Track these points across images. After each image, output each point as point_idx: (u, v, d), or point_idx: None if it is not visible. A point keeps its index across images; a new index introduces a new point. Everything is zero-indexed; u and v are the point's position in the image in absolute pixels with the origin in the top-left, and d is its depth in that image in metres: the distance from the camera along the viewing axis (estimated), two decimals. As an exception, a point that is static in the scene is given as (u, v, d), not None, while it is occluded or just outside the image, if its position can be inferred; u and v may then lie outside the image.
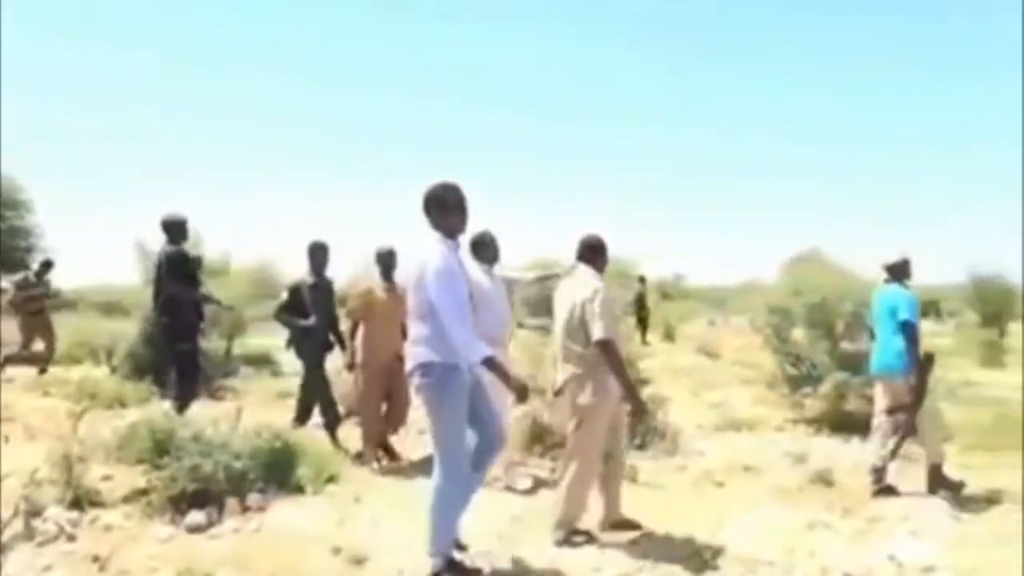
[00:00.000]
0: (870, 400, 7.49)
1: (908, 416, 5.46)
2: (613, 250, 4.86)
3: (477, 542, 4.30)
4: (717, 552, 4.32)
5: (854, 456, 6.45)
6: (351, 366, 6.28)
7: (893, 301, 5.56)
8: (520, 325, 21.72)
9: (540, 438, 6.40)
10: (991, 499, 5.36)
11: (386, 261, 6.21)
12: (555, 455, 6.22)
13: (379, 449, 6.23)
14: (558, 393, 4.61)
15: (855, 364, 7.67)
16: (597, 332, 4.27)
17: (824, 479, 5.72)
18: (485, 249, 5.56)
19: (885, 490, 5.48)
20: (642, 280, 18.58)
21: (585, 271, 4.59)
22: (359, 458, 6.20)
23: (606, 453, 4.52)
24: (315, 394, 6.70)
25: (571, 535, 4.44)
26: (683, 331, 20.88)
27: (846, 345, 7.89)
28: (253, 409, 7.06)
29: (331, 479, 5.45)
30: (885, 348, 5.61)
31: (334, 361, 6.93)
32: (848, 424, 7.36)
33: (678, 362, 13.81)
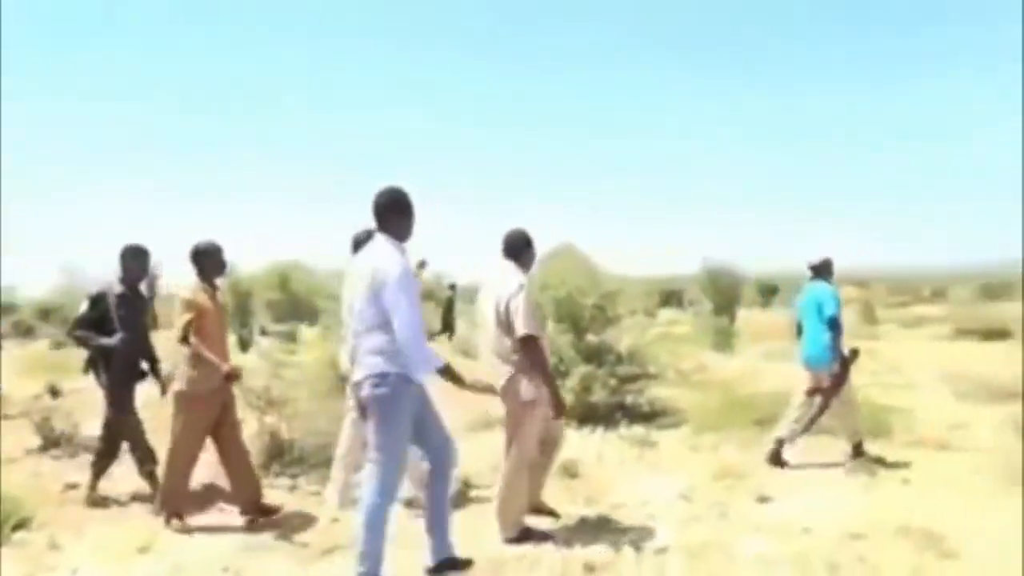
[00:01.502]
0: (614, 391, 8.07)
1: (827, 398, 6.27)
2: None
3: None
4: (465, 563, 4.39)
5: (598, 447, 6.89)
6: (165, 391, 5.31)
7: (820, 298, 6.30)
8: (263, 332, 20.97)
9: (279, 455, 6.15)
10: (717, 477, 5.94)
11: (214, 259, 5.15)
12: (294, 472, 6.02)
13: (176, 508, 5.05)
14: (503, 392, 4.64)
15: (600, 356, 8.21)
16: (520, 327, 4.43)
17: (569, 471, 6.02)
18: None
19: (779, 462, 6.30)
20: (452, 287, 21.25)
21: (509, 267, 4.73)
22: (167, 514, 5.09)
23: (541, 440, 4.75)
24: (122, 435, 5.55)
25: (524, 534, 4.62)
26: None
27: (591, 338, 8.40)
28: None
29: (20, 525, 4.84)
30: (814, 341, 6.34)
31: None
32: (593, 416, 7.84)
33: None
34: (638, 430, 7.46)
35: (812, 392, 6.35)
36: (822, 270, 6.53)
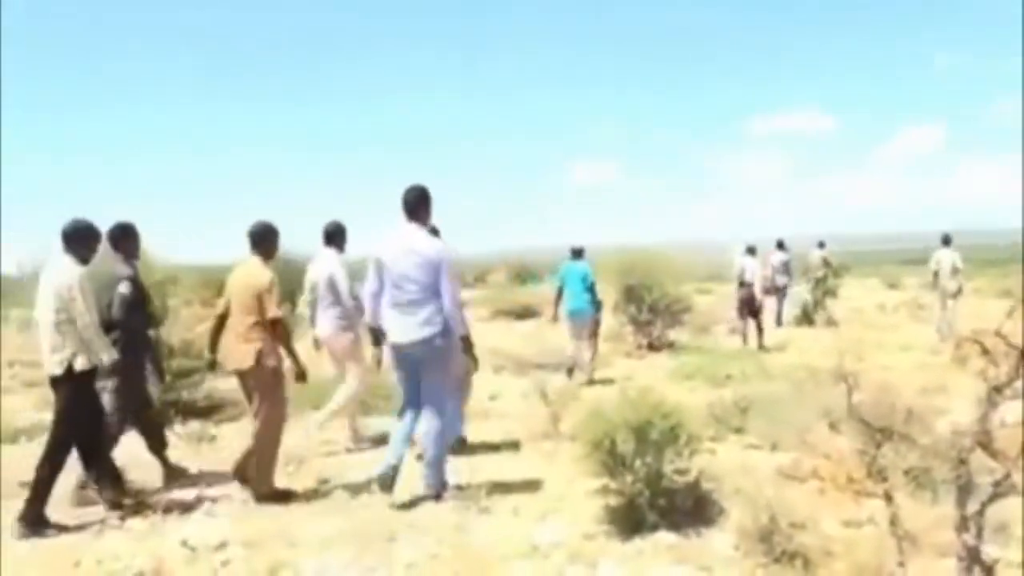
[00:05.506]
0: (167, 387, 7.54)
1: (596, 338, 10.25)
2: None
3: None
4: None
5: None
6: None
7: (583, 270, 9.70)
8: None
9: None
10: (279, 465, 5.92)
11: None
12: None
13: None
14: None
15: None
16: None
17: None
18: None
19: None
20: None
21: (329, 253, 6.57)
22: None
23: None
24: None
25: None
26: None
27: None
28: None
29: None
30: (579, 299, 9.63)
31: None
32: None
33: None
34: (194, 425, 7.15)
35: (594, 334, 10.02)
36: (581, 253, 9.86)
